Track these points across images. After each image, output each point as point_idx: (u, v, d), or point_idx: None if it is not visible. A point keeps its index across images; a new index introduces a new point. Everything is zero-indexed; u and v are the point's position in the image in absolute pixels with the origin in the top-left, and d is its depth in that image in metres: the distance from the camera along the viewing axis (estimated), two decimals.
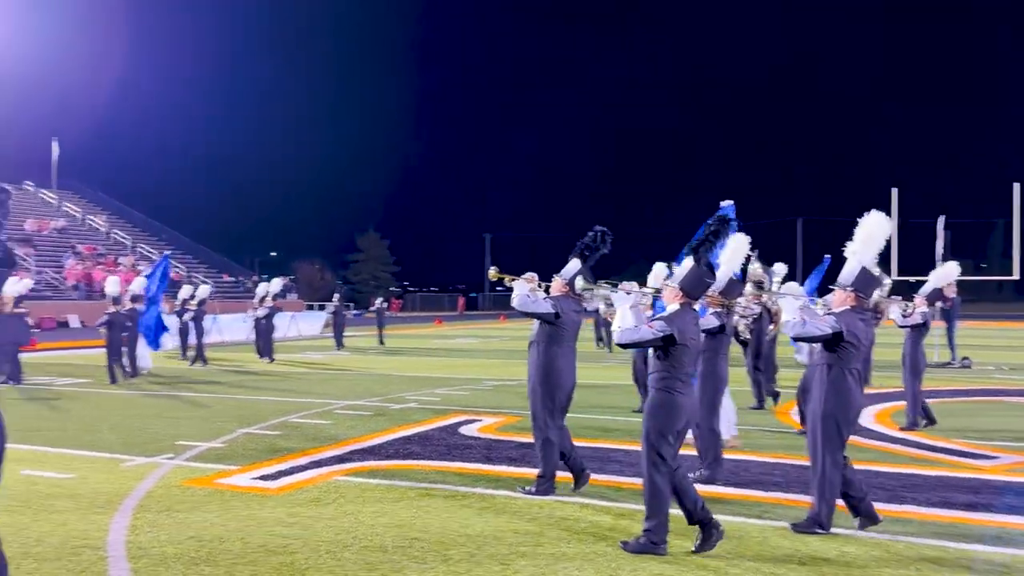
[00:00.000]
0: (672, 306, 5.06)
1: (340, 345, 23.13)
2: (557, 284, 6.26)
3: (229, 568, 4.54)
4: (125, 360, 14.63)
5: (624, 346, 5.07)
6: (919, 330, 9.54)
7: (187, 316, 18.52)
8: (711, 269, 5.19)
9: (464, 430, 9.13)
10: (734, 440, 7.88)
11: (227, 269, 46.18)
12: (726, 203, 8.25)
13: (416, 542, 5.01)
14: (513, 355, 17.24)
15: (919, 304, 9.51)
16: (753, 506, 5.92)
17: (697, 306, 5.87)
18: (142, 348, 15.72)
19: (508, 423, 9.73)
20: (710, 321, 6.55)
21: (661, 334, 4.84)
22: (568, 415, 6.36)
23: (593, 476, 6.57)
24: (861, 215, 5.56)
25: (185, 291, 19.71)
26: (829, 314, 5.33)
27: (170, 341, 19.49)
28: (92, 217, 45.02)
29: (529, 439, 6.95)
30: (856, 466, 7.28)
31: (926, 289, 9.85)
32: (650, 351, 5.08)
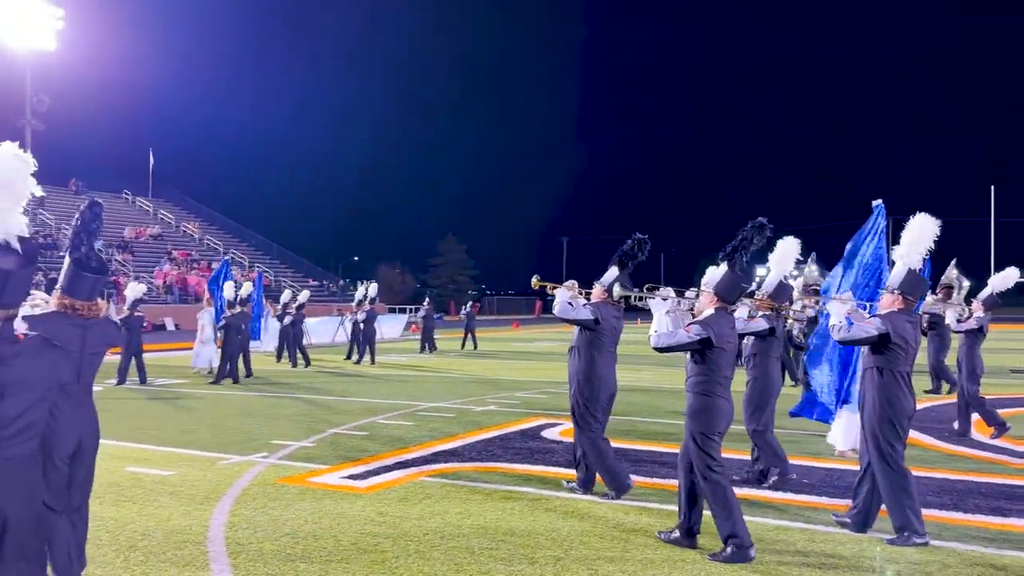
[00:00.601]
0: (708, 310, 5.10)
1: (432, 348, 23.50)
2: (597, 291, 6.37)
3: (323, 565, 4.68)
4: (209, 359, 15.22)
5: (660, 350, 5.10)
6: (975, 335, 9.28)
7: (287, 320, 19.17)
8: (747, 274, 5.18)
9: (546, 434, 9.16)
10: (852, 453, 7.69)
11: (312, 273, 47.52)
12: (877, 202, 7.99)
13: (502, 544, 5.06)
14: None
15: (976, 309, 9.31)
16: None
17: (745, 310, 6.29)
18: (209, 347, 16.50)
19: None
20: (759, 324, 6.52)
21: (698, 337, 4.89)
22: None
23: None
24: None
25: (286, 295, 20.41)
26: (874, 316, 5.29)
27: (271, 343, 20.36)
28: (185, 224, 47.02)
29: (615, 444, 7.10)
30: (953, 476, 7.03)
31: (984, 294, 9.57)
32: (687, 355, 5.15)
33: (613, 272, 6.33)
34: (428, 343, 23.70)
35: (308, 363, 18.41)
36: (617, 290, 6.18)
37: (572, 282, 6.54)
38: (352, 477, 6.96)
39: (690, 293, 6.50)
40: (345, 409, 11.33)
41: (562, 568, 4.64)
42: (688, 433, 4.99)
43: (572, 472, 6.96)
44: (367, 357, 19.42)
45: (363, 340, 19.64)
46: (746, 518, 4.87)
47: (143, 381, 14.41)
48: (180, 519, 5.61)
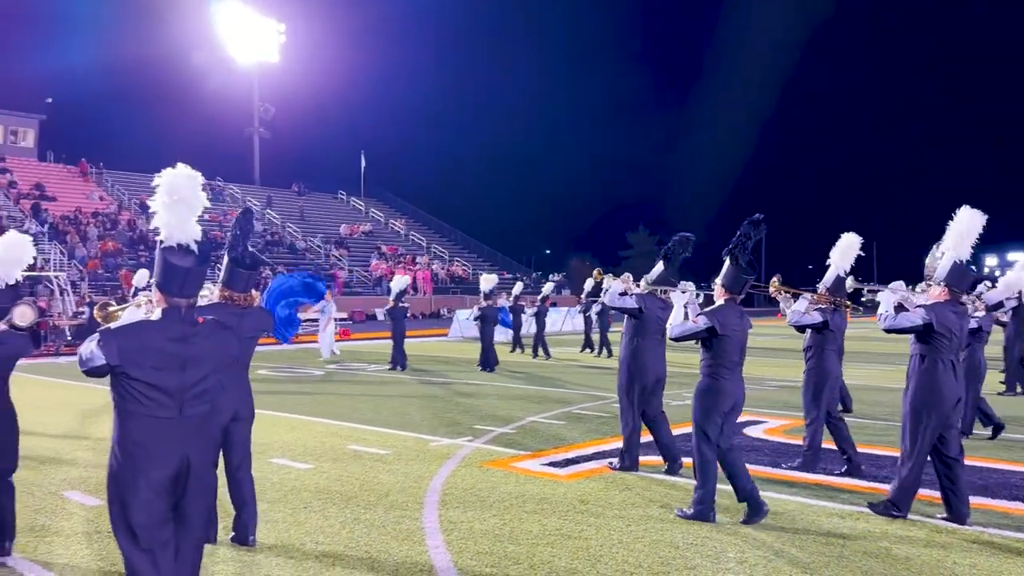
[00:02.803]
0: (718, 301, 5.59)
1: None
2: (643, 284, 7.03)
3: (530, 548, 4.82)
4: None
5: (675, 339, 5.64)
6: (978, 335, 8.45)
7: (530, 311, 19.77)
8: (752, 266, 5.60)
9: (749, 431, 8.86)
10: None
11: (506, 266, 48.85)
12: None
13: (708, 541, 4.96)
14: (793, 355, 16.39)
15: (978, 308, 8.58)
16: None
17: (804, 303, 6.82)
18: (330, 337, 17.54)
19: (795, 426, 9.26)
20: (814, 317, 6.85)
21: (704, 326, 5.42)
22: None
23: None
24: None
25: (517, 287, 20.81)
26: (919, 306, 5.55)
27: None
28: (393, 221, 50.00)
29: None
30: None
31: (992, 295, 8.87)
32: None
33: (659, 268, 6.93)
34: None
35: (548, 355, 18.64)
36: (642, 284, 6.90)
37: (627, 275, 7.16)
38: (552, 464, 7.11)
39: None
40: (544, 398, 11.58)
41: (773, 570, 4.47)
42: (692, 410, 5.55)
43: (773, 471, 6.76)
44: (605, 350, 19.21)
45: (599, 332, 19.67)
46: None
47: (403, 367, 15.47)
48: (397, 495, 6.00)
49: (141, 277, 16.89)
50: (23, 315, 5.14)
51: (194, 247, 3.42)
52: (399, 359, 15.69)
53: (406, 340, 16.18)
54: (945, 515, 5.45)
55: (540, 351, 18.87)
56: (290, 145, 74.15)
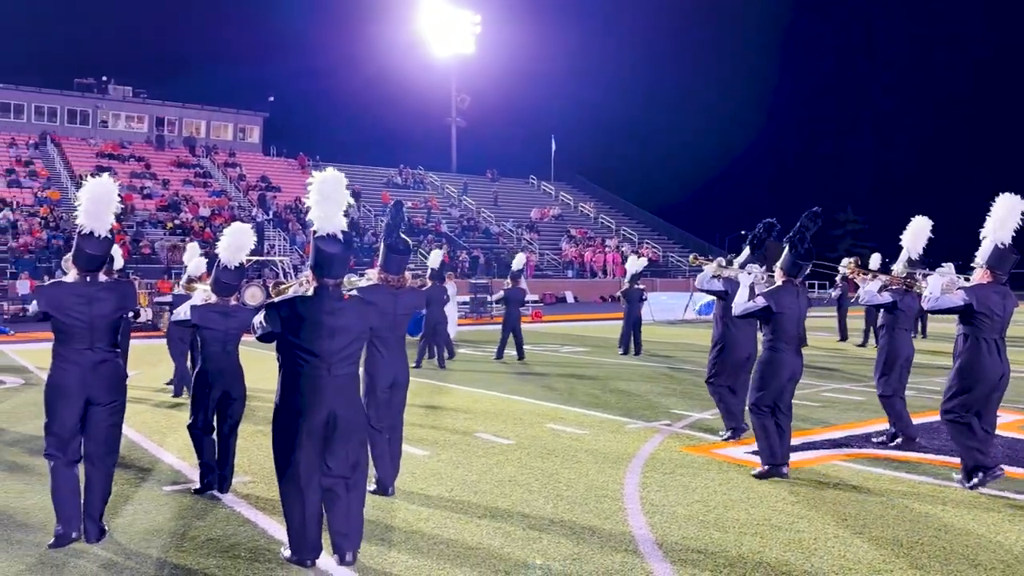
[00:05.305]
0: (778, 283, 6.15)
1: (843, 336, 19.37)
2: (715, 267, 7.49)
3: (738, 536, 4.69)
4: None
5: (738, 316, 6.26)
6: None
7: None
8: (809, 253, 6.05)
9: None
10: None
11: (697, 248, 47.64)
12: None
13: (935, 540, 4.59)
14: (1016, 343, 14.71)
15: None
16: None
17: (877, 284, 7.24)
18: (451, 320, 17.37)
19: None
20: (884, 298, 7.18)
21: (762, 305, 5.99)
22: None
23: None
24: None
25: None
26: (960, 288, 5.78)
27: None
28: (582, 204, 50.23)
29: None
30: None
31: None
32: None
33: (745, 253, 7.35)
34: (922, 325, 19.22)
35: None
36: (713, 267, 7.33)
37: (720, 259, 7.60)
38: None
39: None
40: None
41: (1011, 574, 4.07)
42: (752, 378, 6.15)
43: (1013, 470, 6.17)
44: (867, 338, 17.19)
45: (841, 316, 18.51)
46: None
47: (638, 352, 15.16)
48: (596, 475, 6.05)
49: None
50: (253, 295, 5.87)
51: (340, 236, 3.99)
52: (625, 342, 15.37)
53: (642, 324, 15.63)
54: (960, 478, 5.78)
55: None
56: (484, 132, 76.53)
